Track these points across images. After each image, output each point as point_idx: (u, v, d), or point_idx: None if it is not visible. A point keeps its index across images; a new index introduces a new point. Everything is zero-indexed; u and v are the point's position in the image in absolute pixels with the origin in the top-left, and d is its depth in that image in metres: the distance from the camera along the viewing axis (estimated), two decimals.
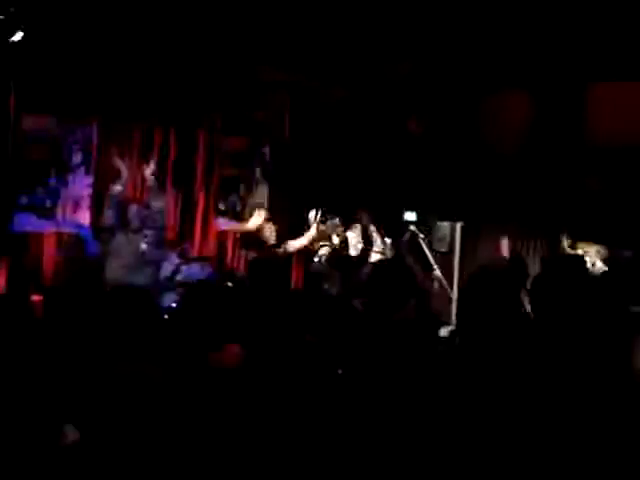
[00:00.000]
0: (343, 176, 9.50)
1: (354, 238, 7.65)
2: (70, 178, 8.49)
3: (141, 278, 6.68)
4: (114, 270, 6.55)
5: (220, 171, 9.54)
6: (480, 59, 8.92)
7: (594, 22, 8.14)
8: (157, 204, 6.82)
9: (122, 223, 6.58)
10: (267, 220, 6.79)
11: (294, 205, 8.80)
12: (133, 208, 6.72)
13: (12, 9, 6.44)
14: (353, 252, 7.42)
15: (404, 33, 8.99)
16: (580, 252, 7.84)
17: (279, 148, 9.79)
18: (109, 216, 6.59)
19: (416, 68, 9.49)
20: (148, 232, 6.75)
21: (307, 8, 8.46)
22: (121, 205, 6.59)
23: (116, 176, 6.87)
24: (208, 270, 8.41)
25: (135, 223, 6.63)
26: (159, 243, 7.25)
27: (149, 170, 6.63)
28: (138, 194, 7.60)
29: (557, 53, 8.54)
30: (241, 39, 8.53)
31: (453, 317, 8.76)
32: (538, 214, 9.00)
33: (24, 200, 8.17)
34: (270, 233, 6.73)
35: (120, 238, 6.56)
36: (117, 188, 6.61)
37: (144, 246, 6.69)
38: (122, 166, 6.67)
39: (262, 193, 9.47)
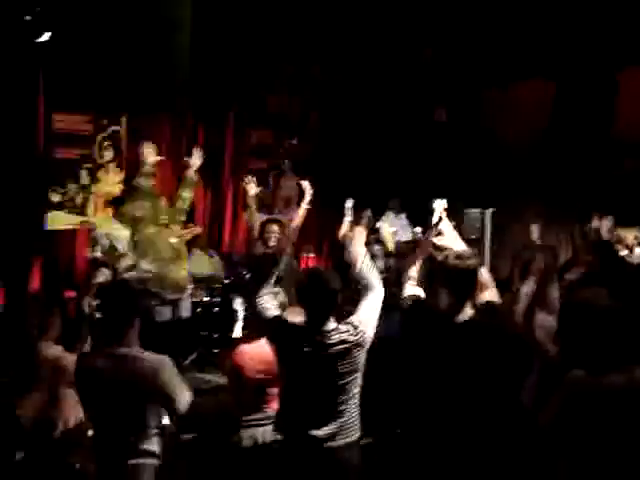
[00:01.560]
0: (372, 166, 9.49)
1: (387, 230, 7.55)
2: (101, 174, 8.59)
3: (173, 271, 6.70)
4: (148, 264, 6.58)
5: (248, 164, 9.59)
6: (507, 46, 8.85)
7: (624, 10, 8.05)
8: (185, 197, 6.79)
9: (153, 218, 6.59)
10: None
11: (323, 196, 8.80)
12: (162, 202, 6.72)
13: (38, 9, 6.49)
14: (392, 246, 7.30)
15: (428, 21, 8.96)
16: (618, 237, 7.74)
17: (307, 140, 9.80)
18: (140, 209, 6.59)
19: (440, 55, 9.44)
20: (176, 226, 6.75)
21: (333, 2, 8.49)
22: (150, 199, 6.59)
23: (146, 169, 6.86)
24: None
25: (164, 217, 6.63)
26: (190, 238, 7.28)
27: (193, 165, 6.60)
28: (167, 188, 7.65)
29: (586, 40, 8.44)
30: (266, 33, 8.54)
31: None
32: (569, 199, 8.92)
33: (55, 197, 8.27)
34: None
35: (152, 231, 6.57)
36: (145, 181, 6.58)
37: (174, 240, 6.70)
38: (150, 156, 6.61)
39: (291, 185, 9.47)
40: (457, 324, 3.61)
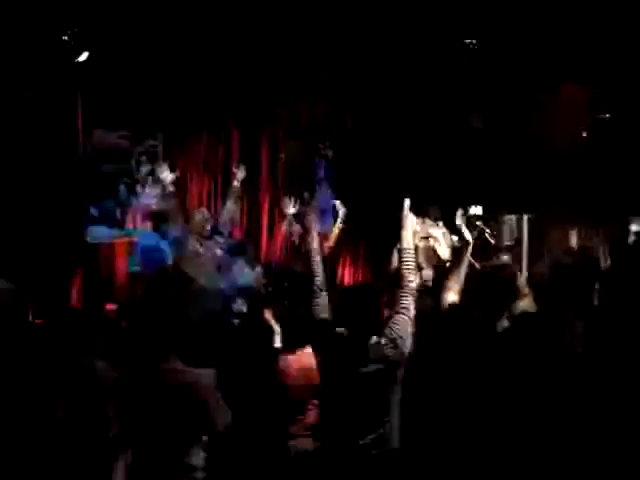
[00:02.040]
0: (407, 174, 9.48)
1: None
2: (139, 189, 8.70)
3: (220, 284, 6.78)
4: (195, 277, 6.67)
5: (284, 174, 9.64)
6: (542, 51, 8.81)
7: None
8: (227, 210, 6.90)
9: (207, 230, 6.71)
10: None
11: (358, 206, 8.82)
12: (202, 215, 6.82)
13: (76, 30, 6.63)
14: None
15: (465, 26, 8.93)
16: None
17: (341, 150, 9.82)
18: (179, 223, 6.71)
19: (475, 60, 9.41)
20: (220, 238, 6.84)
21: (365, 7, 8.48)
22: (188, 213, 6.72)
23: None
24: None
25: (207, 229, 6.73)
26: (229, 249, 7.35)
27: (239, 177, 6.73)
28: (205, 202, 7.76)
29: (620, 44, 8.38)
30: (298, 42, 8.58)
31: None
32: (605, 204, 8.85)
33: (95, 212, 8.39)
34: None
35: (195, 245, 6.67)
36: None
37: (219, 252, 6.79)
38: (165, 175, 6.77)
39: (327, 196, 9.51)
40: (494, 334, 3.63)
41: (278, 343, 6.02)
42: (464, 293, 4.02)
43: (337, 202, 6.26)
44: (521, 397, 3.51)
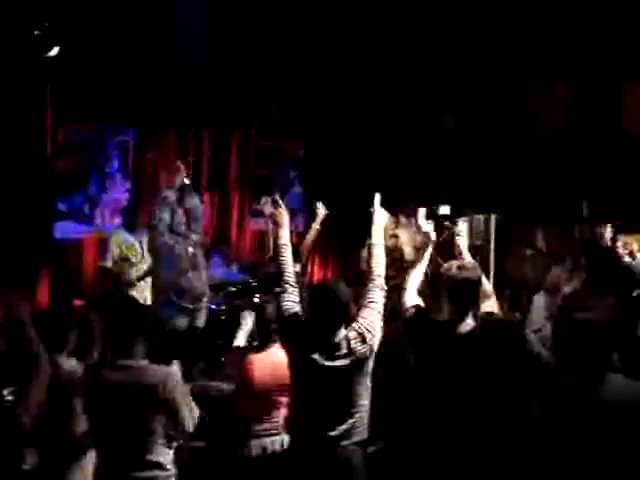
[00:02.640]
0: (378, 175, 9.53)
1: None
2: (108, 184, 8.66)
3: (193, 281, 6.80)
4: (169, 274, 6.69)
5: (254, 172, 9.66)
6: (516, 53, 8.91)
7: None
8: (191, 206, 6.91)
9: (171, 228, 6.71)
10: None
11: (329, 206, 8.85)
12: (180, 212, 6.84)
13: (47, 24, 6.59)
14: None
15: (441, 29, 9.00)
16: (620, 244, 7.81)
17: (314, 149, 9.85)
18: (161, 220, 6.72)
19: (450, 62, 9.48)
20: (194, 235, 6.86)
21: (341, 9, 8.52)
22: (171, 210, 6.74)
23: (170, 181, 7.04)
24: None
25: (182, 227, 6.75)
26: (202, 246, 7.35)
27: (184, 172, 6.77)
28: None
29: (596, 49, 8.52)
30: (275, 41, 8.59)
31: None
32: (574, 207, 8.97)
33: (63, 207, 8.34)
34: None
35: (171, 242, 6.68)
36: (170, 192, 6.77)
37: (191, 249, 6.80)
38: (181, 171, 6.82)
39: (296, 195, 9.54)
40: (458, 336, 3.68)
41: (242, 341, 6.07)
42: (430, 293, 4.07)
43: (318, 204, 6.23)
44: (481, 397, 3.58)
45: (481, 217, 9.68)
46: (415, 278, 4.02)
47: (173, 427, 3.50)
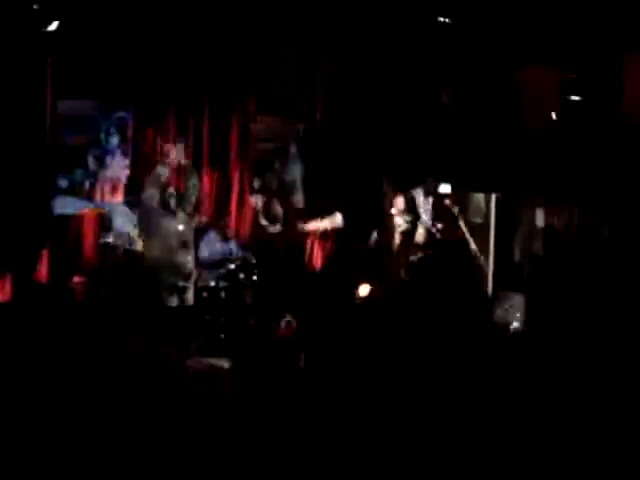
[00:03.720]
0: (377, 150, 9.51)
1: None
2: (107, 160, 8.64)
3: (181, 258, 6.80)
4: (155, 251, 6.69)
5: (254, 148, 9.61)
6: (513, 32, 8.86)
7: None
8: (191, 185, 6.92)
9: (162, 205, 6.71)
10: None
11: (328, 181, 8.85)
12: (170, 190, 6.84)
13: None
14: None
15: (436, 4, 8.96)
16: None
17: (312, 126, 9.82)
18: (151, 197, 6.71)
19: (448, 39, 9.44)
20: (182, 214, 6.87)
21: None
22: (162, 187, 6.73)
23: (162, 158, 7.02)
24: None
25: (173, 205, 6.74)
26: (198, 224, 7.36)
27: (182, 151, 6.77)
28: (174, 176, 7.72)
29: (593, 26, 8.46)
30: (270, 21, 8.55)
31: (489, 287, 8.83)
32: (573, 185, 8.96)
33: (63, 183, 8.33)
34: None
35: (160, 219, 6.69)
36: (163, 170, 6.77)
37: (181, 227, 6.80)
38: (172, 149, 6.82)
39: (297, 170, 9.51)
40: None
41: None
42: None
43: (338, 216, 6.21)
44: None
45: (481, 195, 9.70)
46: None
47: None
